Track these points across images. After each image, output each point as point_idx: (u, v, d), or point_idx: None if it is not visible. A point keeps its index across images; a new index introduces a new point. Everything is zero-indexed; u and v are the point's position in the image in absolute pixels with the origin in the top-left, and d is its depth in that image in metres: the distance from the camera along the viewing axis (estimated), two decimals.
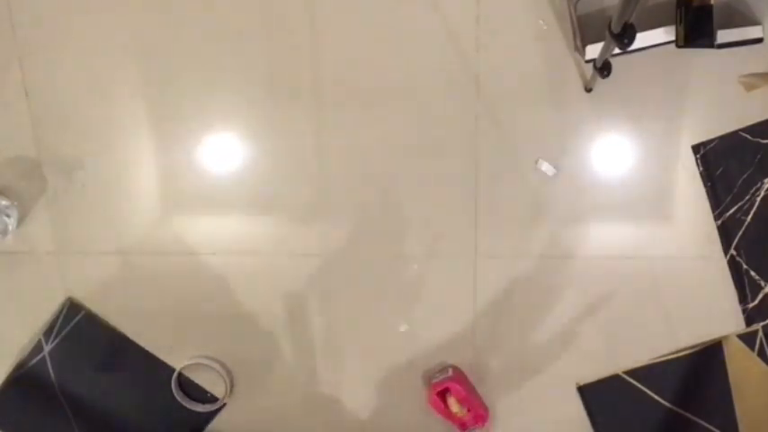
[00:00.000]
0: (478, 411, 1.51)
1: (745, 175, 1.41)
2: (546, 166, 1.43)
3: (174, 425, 1.63)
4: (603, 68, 1.24)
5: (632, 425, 1.54)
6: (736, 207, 1.42)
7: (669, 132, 1.41)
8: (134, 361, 1.59)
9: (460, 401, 1.48)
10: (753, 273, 1.44)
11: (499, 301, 1.51)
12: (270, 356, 1.59)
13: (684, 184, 1.43)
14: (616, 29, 0.94)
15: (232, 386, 1.60)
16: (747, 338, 1.46)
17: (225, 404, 1.62)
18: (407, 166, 1.47)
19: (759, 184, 1.41)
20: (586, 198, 1.45)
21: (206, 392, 1.62)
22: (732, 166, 1.40)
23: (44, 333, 1.58)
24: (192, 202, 1.52)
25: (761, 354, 1.46)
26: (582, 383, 1.54)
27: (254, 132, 1.48)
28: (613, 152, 1.43)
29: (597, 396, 1.53)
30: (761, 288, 1.44)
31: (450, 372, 1.52)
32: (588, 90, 1.39)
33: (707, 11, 1.27)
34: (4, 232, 1.50)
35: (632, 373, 1.51)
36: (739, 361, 1.46)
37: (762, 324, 1.46)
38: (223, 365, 1.59)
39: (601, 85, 1.35)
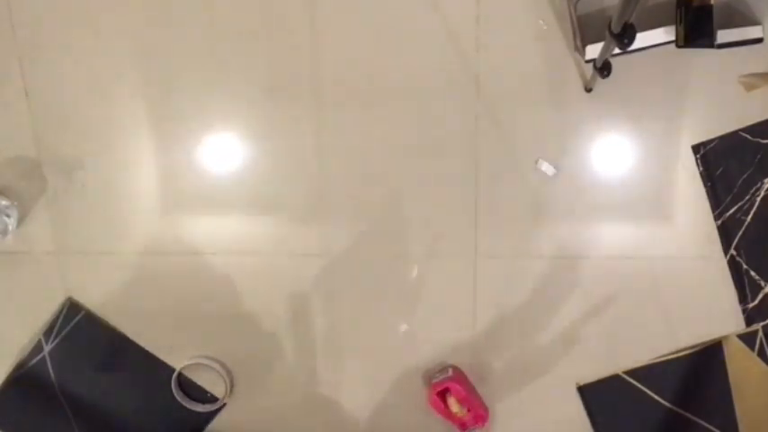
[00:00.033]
0: (478, 411, 1.51)
1: (745, 175, 1.41)
2: (546, 166, 1.43)
3: (174, 425, 1.63)
4: (603, 68, 1.24)
5: (632, 425, 1.54)
6: (736, 207, 1.42)
7: (669, 132, 1.41)
8: (134, 361, 1.59)
9: (460, 401, 1.48)
10: (753, 273, 1.44)
11: (499, 301, 1.51)
12: (270, 356, 1.59)
13: (684, 184, 1.43)
14: (616, 29, 0.94)
15: (232, 386, 1.60)
16: (747, 338, 1.46)
17: (225, 404, 1.62)
18: (407, 166, 1.47)
19: (759, 184, 1.41)
20: (586, 198, 1.45)
21: (206, 392, 1.62)
22: (732, 166, 1.40)
23: (44, 333, 1.58)
24: (192, 202, 1.52)
25: (761, 354, 1.46)
26: (582, 383, 1.54)
27: (254, 132, 1.48)
28: (613, 152, 1.43)
29: (597, 396, 1.53)
30: (761, 288, 1.44)
31: (450, 372, 1.52)
32: (588, 90, 1.39)
33: (707, 11, 1.27)
34: (4, 232, 1.50)
35: (632, 373, 1.51)
36: (739, 361, 1.46)
37: (762, 324, 1.46)
38: (223, 365, 1.59)
39: (601, 85, 1.35)
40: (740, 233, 1.43)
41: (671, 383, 1.50)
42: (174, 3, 1.43)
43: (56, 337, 1.58)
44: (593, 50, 1.31)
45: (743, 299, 1.45)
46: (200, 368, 1.59)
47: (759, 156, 1.40)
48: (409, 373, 1.57)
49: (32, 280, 1.57)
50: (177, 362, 1.59)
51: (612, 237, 1.46)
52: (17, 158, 1.52)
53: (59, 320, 1.57)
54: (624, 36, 0.94)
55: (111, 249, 1.55)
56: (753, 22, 1.33)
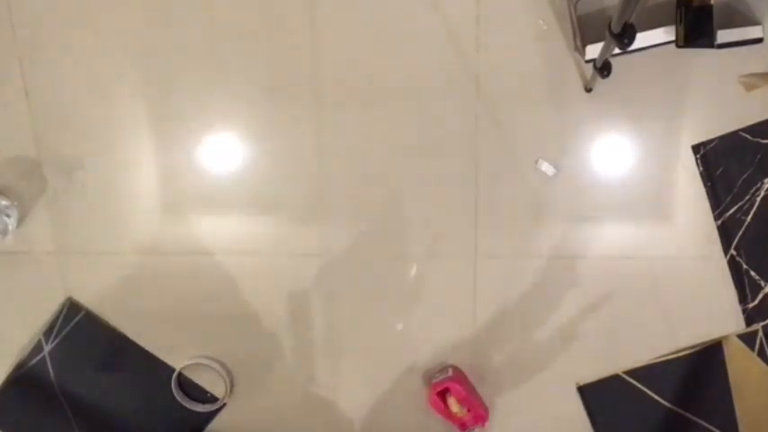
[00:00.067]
0: (478, 411, 1.51)
1: (745, 175, 1.41)
2: (546, 166, 1.43)
3: (174, 425, 1.63)
4: (603, 68, 1.24)
5: (632, 425, 1.54)
6: (736, 207, 1.42)
7: (669, 132, 1.41)
8: (134, 361, 1.59)
9: (460, 401, 1.48)
10: (753, 273, 1.44)
11: (499, 301, 1.51)
12: (270, 356, 1.59)
13: (684, 184, 1.43)
14: (616, 29, 0.94)
15: (232, 386, 1.60)
16: (747, 338, 1.46)
17: (225, 404, 1.62)
18: (407, 166, 1.47)
19: (759, 184, 1.41)
20: (586, 198, 1.45)
21: (206, 392, 1.62)
22: (732, 166, 1.40)
23: (44, 333, 1.58)
24: (192, 202, 1.52)
25: (761, 354, 1.46)
26: (582, 383, 1.54)
27: (254, 132, 1.48)
28: (613, 152, 1.43)
29: (597, 396, 1.53)
30: (761, 288, 1.44)
31: (450, 372, 1.52)
32: (588, 90, 1.39)
33: (707, 11, 1.27)
34: (4, 232, 1.50)
35: (632, 373, 1.51)
36: (739, 361, 1.46)
37: (762, 324, 1.46)
38: (223, 365, 1.59)
39: (601, 85, 1.35)
40: (740, 233, 1.43)
41: (671, 383, 1.50)
42: (174, 3, 1.43)
43: (56, 337, 1.58)
44: (593, 50, 1.31)
45: (743, 299, 1.45)
46: (200, 368, 1.59)
47: (759, 156, 1.40)
48: (409, 373, 1.57)
49: (32, 280, 1.57)
50: (177, 362, 1.59)
51: (612, 237, 1.46)
52: (17, 158, 1.52)
53: (59, 320, 1.57)
54: (624, 36, 0.94)
55: (111, 249, 1.55)
56: (753, 22, 1.33)
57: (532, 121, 1.42)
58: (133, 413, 1.62)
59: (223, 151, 1.49)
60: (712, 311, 1.47)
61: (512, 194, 1.46)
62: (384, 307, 1.54)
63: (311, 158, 1.48)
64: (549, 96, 1.41)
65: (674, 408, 1.51)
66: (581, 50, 1.34)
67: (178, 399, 1.60)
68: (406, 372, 1.57)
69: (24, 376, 1.60)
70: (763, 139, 1.39)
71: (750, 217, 1.42)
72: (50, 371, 1.60)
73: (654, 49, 1.34)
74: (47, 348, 1.59)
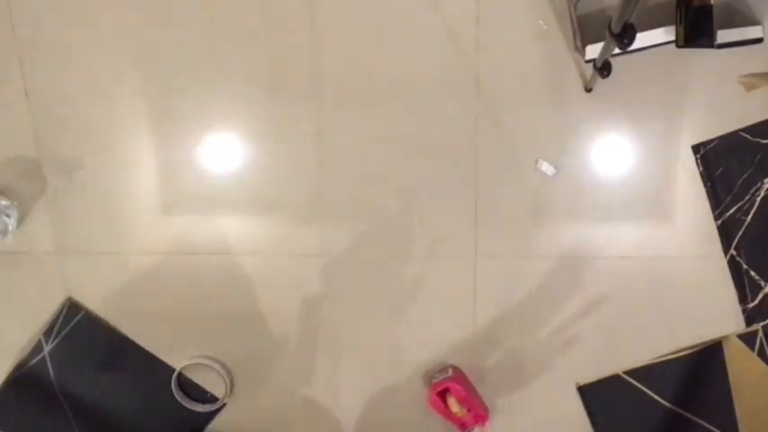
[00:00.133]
0: (478, 411, 1.51)
1: (745, 175, 1.41)
2: (546, 166, 1.43)
3: (174, 425, 1.63)
4: (603, 68, 1.24)
5: (632, 425, 1.54)
6: (736, 207, 1.42)
7: (669, 132, 1.41)
8: (134, 361, 1.59)
9: (460, 401, 1.48)
10: (753, 273, 1.44)
11: (499, 301, 1.51)
12: (270, 356, 1.58)
13: (684, 184, 1.43)
14: (616, 29, 0.94)
15: (232, 386, 1.60)
16: (747, 338, 1.46)
17: (225, 404, 1.62)
18: (407, 166, 1.47)
19: (759, 184, 1.41)
20: (586, 198, 1.45)
21: (206, 392, 1.62)
22: (732, 166, 1.40)
23: (44, 333, 1.58)
24: (192, 202, 1.52)
25: (761, 354, 1.46)
26: (582, 383, 1.54)
27: (254, 132, 1.48)
28: (613, 152, 1.43)
29: (597, 396, 1.53)
30: (761, 288, 1.44)
31: (450, 372, 1.52)
32: (588, 90, 1.39)
33: (707, 11, 1.27)
34: (4, 232, 1.50)
35: (632, 373, 1.51)
36: (739, 361, 1.46)
37: (762, 324, 1.46)
38: (223, 365, 1.59)
39: (601, 85, 1.35)
40: (740, 233, 1.43)
41: (671, 383, 1.50)
42: (174, 3, 1.43)
43: (56, 337, 1.58)
44: (593, 50, 1.31)
45: (743, 299, 1.45)
46: (200, 368, 1.59)
47: (759, 156, 1.40)
48: (409, 373, 1.57)
49: (32, 280, 1.57)
50: (177, 362, 1.59)
51: (612, 237, 1.46)
52: (17, 158, 1.52)
53: (59, 320, 1.57)
54: (624, 36, 0.94)
55: (111, 249, 1.55)
56: (753, 22, 1.33)
57: (532, 121, 1.42)
58: (133, 413, 1.62)
59: (223, 151, 1.49)
60: (712, 311, 1.47)
61: (512, 194, 1.46)
62: (384, 307, 1.54)
63: (311, 158, 1.48)
64: (549, 96, 1.41)
65: (674, 408, 1.51)
66: (581, 50, 1.34)
67: (178, 399, 1.60)
68: (405, 372, 1.57)
69: (24, 376, 1.60)
70: (763, 139, 1.39)
71: (750, 217, 1.42)
72: (50, 371, 1.60)
73: (654, 49, 1.34)
74: (47, 348, 1.59)
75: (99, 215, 1.53)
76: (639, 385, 1.51)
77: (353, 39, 1.42)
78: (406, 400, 1.58)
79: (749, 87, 1.37)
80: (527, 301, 1.51)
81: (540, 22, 1.38)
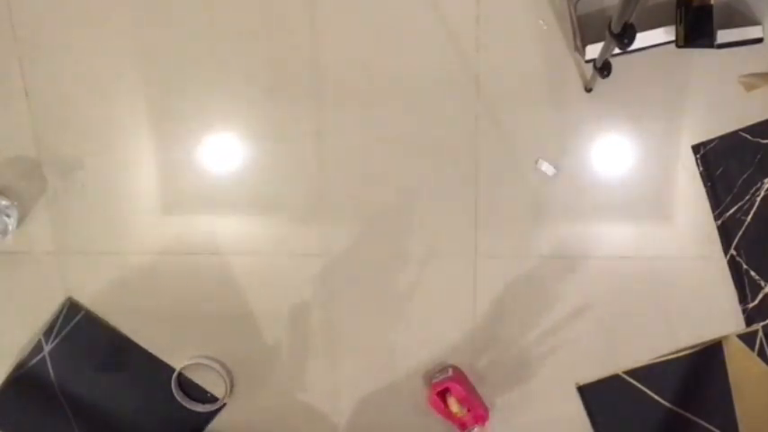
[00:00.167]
0: (478, 411, 1.51)
1: (745, 175, 1.41)
2: (546, 166, 1.43)
3: (174, 425, 1.63)
4: (603, 68, 1.24)
5: (632, 425, 1.54)
6: (736, 207, 1.42)
7: (669, 132, 1.41)
8: (134, 361, 1.59)
9: (460, 401, 1.48)
10: (753, 273, 1.44)
11: (499, 301, 1.51)
12: (270, 356, 1.59)
13: (684, 184, 1.43)
14: (616, 29, 0.94)
15: (232, 386, 1.60)
16: (747, 338, 1.46)
17: (225, 404, 1.62)
18: (407, 166, 1.47)
19: (759, 184, 1.41)
20: (586, 198, 1.45)
21: (206, 392, 1.62)
22: (732, 166, 1.40)
23: (44, 333, 1.58)
24: (192, 202, 1.52)
25: (761, 354, 1.46)
26: (582, 383, 1.54)
27: (254, 132, 1.48)
28: (613, 152, 1.43)
29: (597, 396, 1.53)
30: (761, 288, 1.44)
31: (450, 372, 1.52)
32: (588, 90, 1.39)
33: (707, 11, 1.27)
34: (4, 232, 1.50)
35: (632, 373, 1.51)
36: (739, 361, 1.46)
37: (762, 324, 1.46)
38: (223, 365, 1.59)
39: (601, 85, 1.35)
40: (740, 233, 1.43)
41: (671, 383, 1.50)
42: (173, 3, 1.43)
43: (56, 337, 1.58)
44: (593, 50, 1.31)
45: (743, 299, 1.45)
46: (200, 368, 1.59)
47: (759, 156, 1.40)
48: (409, 373, 1.57)
49: (32, 280, 1.57)
50: (177, 362, 1.59)
51: (612, 237, 1.46)
52: (17, 158, 1.52)
53: (59, 320, 1.57)
54: (624, 36, 0.94)
55: (111, 249, 1.55)
56: (753, 22, 1.33)
57: (532, 121, 1.42)
58: (133, 413, 1.62)
59: (223, 151, 1.49)
60: (712, 311, 1.47)
61: (512, 194, 1.46)
62: (384, 307, 1.54)
63: (311, 158, 1.48)
64: (549, 96, 1.41)
65: (674, 408, 1.51)
66: (581, 50, 1.34)
67: (178, 399, 1.60)
68: (406, 372, 1.57)
69: (24, 376, 1.60)
70: (763, 139, 1.39)
71: (750, 217, 1.42)
72: (50, 371, 1.60)
73: (654, 49, 1.34)
74: (47, 348, 1.59)
75: (99, 215, 1.53)
76: (639, 385, 1.51)
77: (353, 39, 1.42)
78: (406, 400, 1.58)
79: (749, 87, 1.37)
80: (527, 301, 1.51)
81: (540, 22, 1.38)
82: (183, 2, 1.43)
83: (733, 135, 1.39)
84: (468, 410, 1.50)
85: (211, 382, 1.61)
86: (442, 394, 1.49)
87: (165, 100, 1.48)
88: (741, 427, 1.48)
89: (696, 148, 1.41)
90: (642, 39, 1.31)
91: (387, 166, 1.47)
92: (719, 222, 1.43)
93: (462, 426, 1.52)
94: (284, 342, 1.57)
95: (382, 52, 1.42)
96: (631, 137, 1.42)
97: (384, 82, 1.43)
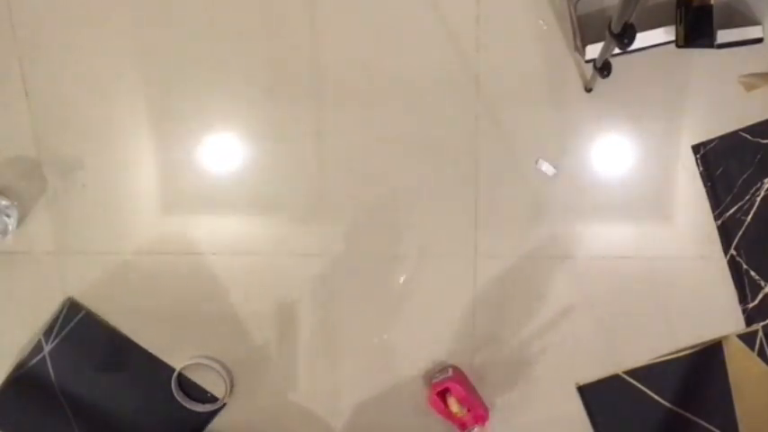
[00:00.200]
0: (478, 411, 1.51)
1: (745, 175, 1.41)
2: (546, 166, 1.43)
3: (174, 425, 1.63)
4: (603, 68, 1.24)
5: (632, 425, 1.54)
6: (736, 207, 1.42)
7: (669, 132, 1.41)
8: (134, 361, 1.59)
9: (460, 401, 1.48)
10: (753, 273, 1.44)
11: (499, 301, 1.51)
12: (270, 356, 1.59)
13: (684, 184, 1.43)
14: (616, 29, 0.94)
15: (232, 386, 1.60)
16: (747, 338, 1.46)
17: (225, 404, 1.62)
18: (407, 166, 1.47)
19: (759, 184, 1.41)
20: (586, 198, 1.45)
21: (206, 392, 1.62)
22: (732, 166, 1.40)
23: (44, 333, 1.58)
24: (192, 202, 1.52)
25: (761, 354, 1.46)
26: (582, 383, 1.54)
27: (254, 132, 1.48)
28: (613, 152, 1.43)
29: (597, 396, 1.53)
30: (761, 288, 1.44)
31: (450, 372, 1.52)
32: (588, 90, 1.39)
33: (707, 11, 1.27)
34: (4, 232, 1.50)
35: (632, 373, 1.51)
36: (739, 361, 1.46)
37: (762, 324, 1.46)
38: (223, 365, 1.59)
39: (601, 85, 1.35)
40: (740, 233, 1.43)
41: (671, 383, 1.50)
42: (173, 3, 1.43)
43: (56, 337, 1.58)
44: (593, 50, 1.31)
45: (743, 299, 1.45)
46: (200, 368, 1.59)
47: (759, 156, 1.40)
48: (409, 373, 1.57)
49: (32, 280, 1.57)
50: (177, 362, 1.59)
51: (612, 237, 1.46)
52: (17, 158, 1.52)
53: (59, 320, 1.57)
54: (624, 36, 0.94)
55: (111, 249, 1.55)
56: (753, 22, 1.33)
57: (532, 121, 1.43)
58: (133, 413, 1.62)
59: (223, 151, 1.49)
60: (712, 311, 1.47)
61: (512, 194, 1.46)
62: (384, 306, 1.54)
63: (311, 158, 1.48)
64: (549, 96, 1.41)
65: (674, 408, 1.51)
66: (581, 50, 1.34)
67: (178, 399, 1.60)
68: (405, 372, 1.57)
69: (24, 376, 1.60)
70: (763, 139, 1.39)
71: (750, 217, 1.42)
72: (50, 371, 1.60)
73: (654, 49, 1.34)
74: (47, 348, 1.59)
75: (99, 215, 1.53)
76: (639, 385, 1.51)
77: (353, 39, 1.42)
78: (406, 400, 1.58)
79: (749, 87, 1.37)
80: (527, 300, 1.51)
81: (540, 22, 1.38)
82: (183, 2, 1.43)
83: (733, 135, 1.39)
84: (468, 410, 1.50)
85: (211, 382, 1.61)
86: (442, 394, 1.49)
87: (165, 100, 1.48)
88: (741, 427, 1.48)
89: (696, 148, 1.41)
90: (642, 39, 1.31)
91: (387, 166, 1.47)
92: (719, 222, 1.43)
93: (462, 426, 1.52)
94: (284, 342, 1.57)
95: (382, 52, 1.42)
96: (631, 137, 1.42)
97: (384, 82, 1.43)
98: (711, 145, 1.40)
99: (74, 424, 1.62)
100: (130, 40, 1.45)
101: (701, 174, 1.42)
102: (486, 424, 1.53)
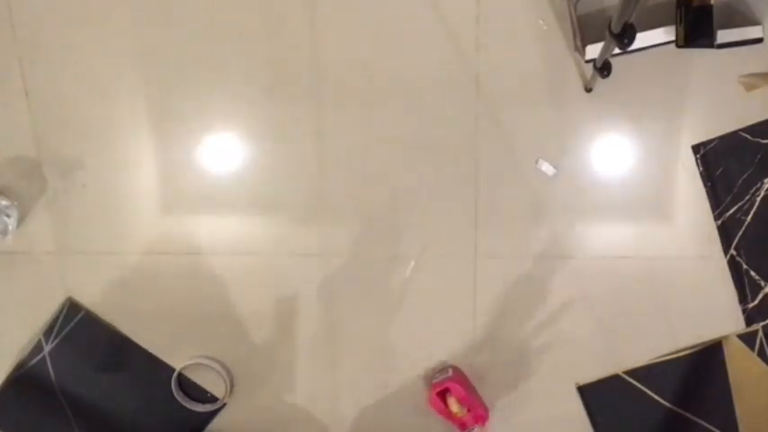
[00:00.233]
0: (478, 411, 1.51)
1: (745, 175, 1.41)
2: (546, 166, 1.43)
3: (174, 425, 1.63)
4: (603, 68, 1.24)
5: (632, 425, 1.54)
6: (736, 207, 1.42)
7: (669, 132, 1.41)
8: (134, 361, 1.59)
9: (460, 401, 1.48)
10: (753, 273, 1.44)
11: (499, 301, 1.51)
12: (269, 356, 1.58)
13: (684, 184, 1.43)
14: (616, 29, 0.94)
15: (232, 386, 1.60)
16: (747, 338, 1.46)
17: (225, 404, 1.62)
18: (407, 166, 1.47)
19: (759, 184, 1.41)
20: (586, 198, 1.45)
21: (206, 392, 1.62)
22: (732, 166, 1.40)
23: (44, 333, 1.58)
24: (192, 202, 1.52)
25: (761, 354, 1.46)
26: (582, 383, 1.54)
27: (254, 132, 1.48)
28: (613, 152, 1.43)
29: (597, 396, 1.53)
30: (761, 288, 1.44)
31: (450, 372, 1.52)
32: (588, 90, 1.39)
33: (707, 11, 1.27)
34: (4, 232, 1.50)
35: (632, 373, 1.51)
36: (739, 361, 1.46)
37: (762, 324, 1.46)
38: (223, 365, 1.59)
39: (601, 85, 1.35)
40: (740, 233, 1.43)
41: (671, 383, 1.50)
42: (173, 3, 1.43)
43: (56, 337, 1.58)
44: (593, 50, 1.31)
45: (743, 299, 1.45)
46: (200, 368, 1.59)
47: (759, 156, 1.40)
48: (409, 373, 1.57)
49: (32, 280, 1.57)
50: (177, 362, 1.59)
51: (612, 237, 1.46)
52: (17, 158, 1.52)
53: (59, 320, 1.57)
54: (624, 36, 0.94)
55: (111, 249, 1.55)
56: (753, 22, 1.33)
57: (532, 121, 1.43)
58: (133, 413, 1.62)
59: (223, 151, 1.49)
60: (712, 311, 1.47)
61: (512, 194, 1.46)
62: (384, 307, 1.54)
63: (311, 158, 1.48)
64: (549, 96, 1.41)
65: (674, 408, 1.51)
66: (581, 50, 1.34)
67: (178, 399, 1.60)
68: (405, 372, 1.57)
69: (24, 376, 1.60)
70: (763, 139, 1.39)
71: (750, 217, 1.42)
72: (50, 371, 1.60)
73: (654, 49, 1.34)
74: (47, 348, 1.59)
75: (99, 215, 1.53)
76: (639, 385, 1.51)
77: (353, 39, 1.42)
78: (406, 400, 1.58)
79: (749, 87, 1.37)
80: (527, 300, 1.51)
81: (540, 22, 1.38)
82: (183, 2, 1.43)
83: (733, 135, 1.39)
84: (468, 410, 1.50)
85: (211, 382, 1.61)
86: (442, 394, 1.49)
87: (165, 100, 1.48)
88: (741, 427, 1.48)
89: (696, 148, 1.41)
90: (642, 39, 1.31)
91: (387, 166, 1.47)
92: (719, 222, 1.43)
93: (462, 426, 1.52)
94: (284, 342, 1.57)
95: (382, 52, 1.42)
96: (631, 137, 1.42)
97: (384, 82, 1.43)
98: (711, 145, 1.40)
99: (74, 424, 1.62)
100: (130, 40, 1.45)
101: (700, 174, 1.42)
102: (486, 424, 1.53)
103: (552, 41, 1.38)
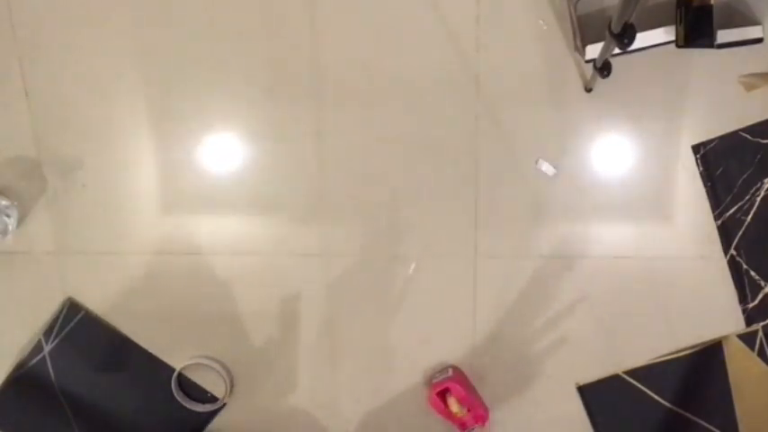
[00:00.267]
0: (478, 411, 1.51)
1: (745, 175, 1.41)
2: (546, 166, 1.43)
3: (174, 425, 1.63)
4: (603, 68, 1.24)
5: (632, 425, 1.54)
6: (736, 207, 1.42)
7: (669, 132, 1.41)
8: (134, 361, 1.59)
9: (460, 401, 1.48)
10: (753, 273, 1.44)
11: (499, 302, 1.51)
12: (270, 356, 1.59)
13: (684, 184, 1.43)
14: (616, 29, 0.94)
15: (232, 386, 1.60)
16: (747, 338, 1.46)
17: (225, 404, 1.62)
18: (407, 166, 1.47)
19: (759, 184, 1.41)
20: (586, 198, 1.45)
21: (206, 392, 1.62)
22: (732, 166, 1.40)
23: (44, 333, 1.58)
24: (192, 202, 1.52)
25: (761, 354, 1.46)
26: (582, 383, 1.54)
27: (254, 132, 1.48)
28: (613, 152, 1.43)
29: (597, 396, 1.53)
30: (761, 288, 1.44)
31: (450, 372, 1.52)
32: (588, 90, 1.39)
33: (707, 11, 1.27)
34: (4, 232, 1.50)
35: (632, 373, 1.51)
36: (739, 361, 1.46)
37: (762, 324, 1.46)
38: (223, 365, 1.59)
39: (601, 85, 1.35)
40: (740, 233, 1.43)
41: (671, 383, 1.50)
42: (173, 3, 1.43)
43: (56, 337, 1.58)
44: (593, 50, 1.31)
45: (743, 299, 1.45)
46: (200, 368, 1.59)
47: (759, 156, 1.40)
48: (409, 373, 1.57)
49: (32, 280, 1.57)
50: (177, 362, 1.59)
51: (612, 237, 1.46)
52: (17, 158, 1.52)
53: (59, 320, 1.57)
54: (624, 36, 0.94)
55: (111, 249, 1.55)
56: (753, 22, 1.33)
57: (532, 121, 1.43)
58: (133, 413, 1.62)
59: (223, 151, 1.49)
60: (712, 311, 1.47)
61: (512, 194, 1.46)
62: (384, 307, 1.54)
63: (311, 158, 1.48)
64: (549, 96, 1.41)
65: (674, 408, 1.51)
66: (581, 50, 1.34)
67: (178, 399, 1.60)
68: (405, 372, 1.57)
69: (24, 376, 1.60)
70: (763, 139, 1.39)
71: (750, 217, 1.42)
72: (50, 371, 1.60)
73: (654, 49, 1.34)
74: (47, 348, 1.59)
75: (99, 215, 1.53)
76: (639, 385, 1.51)
77: (353, 39, 1.42)
78: (406, 400, 1.58)
79: (749, 87, 1.37)
80: (527, 301, 1.51)
81: (540, 22, 1.38)
82: (183, 2, 1.43)
83: (733, 135, 1.39)
84: (468, 410, 1.50)
85: (211, 382, 1.61)
86: (442, 394, 1.49)
87: (165, 100, 1.48)
88: (741, 427, 1.48)
89: (696, 148, 1.41)
90: (642, 39, 1.31)
91: (387, 166, 1.47)
92: (719, 222, 1.43)
93: (462, 426, 1.52)
94: (284, 342, 1.57)
95: (382, 52, 1.42)
96: (631, 137, 1.42)
97: (384, 82, 1.43)
98: (711, 145, 1.40)
99: (74, 424, 1.62)
100: (130, 40, 1.45)
101: (701, 174, 1.42)
102: (486, 424, 1.53)
103: (552, 41, 1.38)
